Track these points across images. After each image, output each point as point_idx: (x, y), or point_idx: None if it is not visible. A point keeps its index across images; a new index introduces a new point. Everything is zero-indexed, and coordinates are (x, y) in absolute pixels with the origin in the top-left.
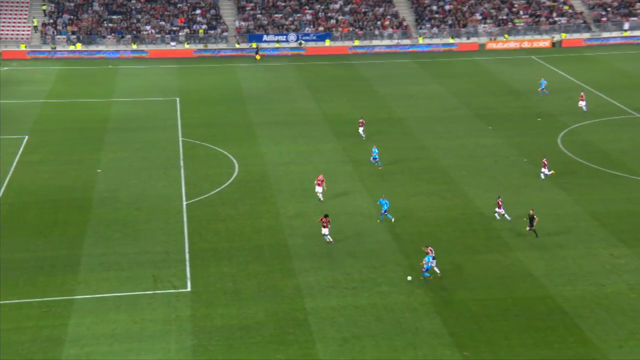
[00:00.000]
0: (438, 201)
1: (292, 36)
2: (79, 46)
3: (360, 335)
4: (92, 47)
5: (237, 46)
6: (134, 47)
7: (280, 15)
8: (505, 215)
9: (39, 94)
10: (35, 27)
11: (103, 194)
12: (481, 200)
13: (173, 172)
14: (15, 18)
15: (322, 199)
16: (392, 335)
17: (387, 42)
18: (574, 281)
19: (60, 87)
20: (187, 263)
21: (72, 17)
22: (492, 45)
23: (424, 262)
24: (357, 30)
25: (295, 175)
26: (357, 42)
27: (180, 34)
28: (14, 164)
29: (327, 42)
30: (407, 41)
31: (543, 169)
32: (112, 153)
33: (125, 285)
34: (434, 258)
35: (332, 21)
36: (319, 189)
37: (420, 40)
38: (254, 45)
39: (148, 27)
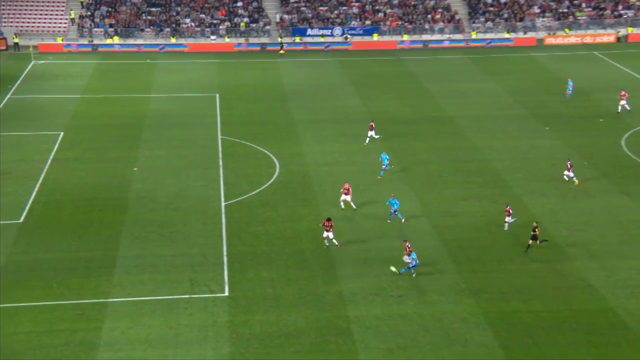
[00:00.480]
0: (490, 206)
1: (337, 30)
2: (116, 39)
3: (406, 346)
4: (130, 41)
5: (280, 40)
6: (173, 40)
7: (326, 8)
8: (507, 221)
9: (75, 88)
10: (72, 19)
11: (139, 193)
12: (536, 205)
13: (211, 171)
14: (52, 10)
15: (344, 206)
16: (439, 347)
17: (438, 36)
18: (638, 294)
19: (97, 82)
20: (225, 267)
21: (109, 9)
22: (551, 41)
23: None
24: (406, 24)
25: (338, 176)
26: (406, 37)
27: (220, 27)
28: (49, 161)
29: (375, 37)
30: (459, 36)
31: (566, 172)
32: (149, 151)
33: (161, 289)
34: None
35: (380, 14)
36: (346, 198)
37: (474, 35)
38: (279, 38)
39: (188, 20)
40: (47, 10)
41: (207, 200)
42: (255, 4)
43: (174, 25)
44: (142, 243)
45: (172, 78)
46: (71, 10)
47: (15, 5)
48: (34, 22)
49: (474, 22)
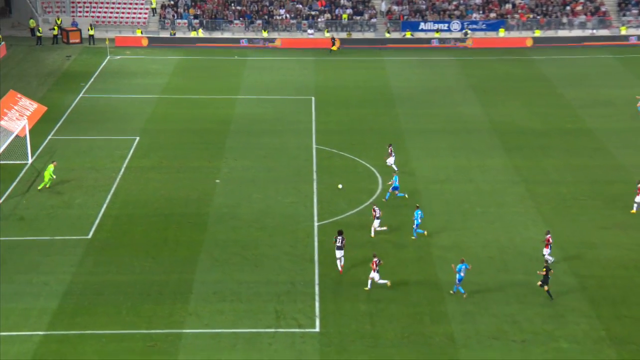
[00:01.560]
0: (637, 237)
1: (455, 24)
2: (201, 32)
3: None
4: (217, 34)
5: (388, 36)
6: (265, 34)
7: None
8: (548, 257)
9: (154, 88)
10: (153, 9)
11: (221, 209)
12: None
13: (304, 186)
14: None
15: (374, 234)
16: None
17: (578, 32)
18: None
19: (179, 81)
20: (317, 297)
21: None
22: None
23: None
24: (539, 17)
25: (452, 196)
26: (538, 33)
27: (319, 19)
28: (122, 169)
29: (501, 32)
30: (604, 31)
31: (638, 197)
32: (234, 161)
33: (242, 320)
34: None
35: (508, 6)
36: (376, 223)
37: (623, 31)
38: (326, 32)
39: (282, 11)
40: None
41: (298, 220)
42: None
43: (266, 17)
44: (222, 267)
45: (263, 77)
46: None
47: None
48: (111, 12)
49: (624, 15)
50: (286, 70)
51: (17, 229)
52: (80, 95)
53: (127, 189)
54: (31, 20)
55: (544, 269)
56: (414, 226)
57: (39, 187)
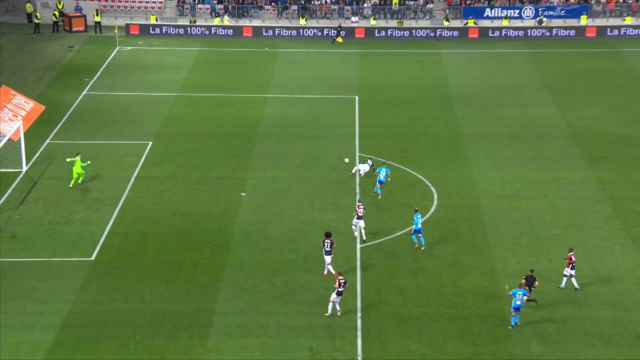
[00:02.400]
0: None
1: (528, 10)
2: (226, 20)
3: None
4: (244, 22)
5: (446, 24)
6: (302, 22)
7: None
8: (573, 280)
9: (170, 84)
10: None
11: (247, 227)
12: None
13: (344, 201)
14: None
15: (360, 236)
16: None
17: None
18: None
19: (199, 76)
20: (359, 333)
21: None
22: None
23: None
24: (630, 1)
25: (521, 215)
26: (629, 20)
27: (365, 5)
28: (132, 179)
29: (583, 20)
30: None
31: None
32: (263, 171)
33: (271, 359)
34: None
35: None
36: (359, 222)
37: None
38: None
39: None
40: None
41: (337, 240)
42: None
43: (303, 2)
44: (248, 295)
45: (298, 73)
46: None
47: None
48: None
49: None
50: (324, 64)
51: (9, 249)
52: (84, 92)
53: (138, 202)
54: (28, 4)
55: (523, 278)
56: (413, 232)
57: (71, 185)
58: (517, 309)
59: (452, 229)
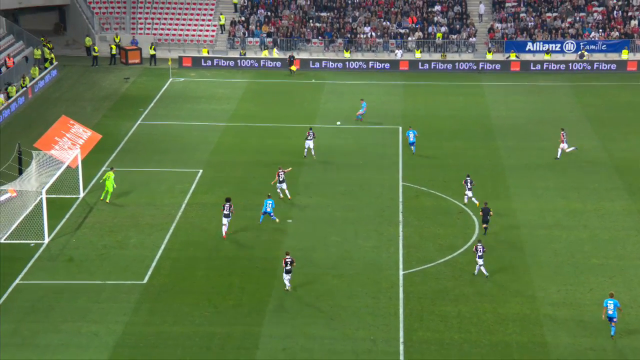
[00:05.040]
0: None
1: (570, 44)
2: (275, 52)
3: None
4: (292, 54)
5: (489, 57)
6: (347, 55)
7: (555, 14)
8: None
9: (220, 114)
10: (221, 26)
11: (293, 253)
12: None
13: (388, 229)
14: (198, 14)
15: (285, 196)
16: None
17: None
18: None
19: (248, 107)
20: (402, 358)
21: (269, 13)
22: None
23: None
24: None
25: (562, 245)
26: None
27: (409, 38)
28: (183, 206)
29: (624, 55)
30: None
31: (562, 145)
32: (308, 198)
33: None
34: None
35: (633, 23)
36: (282, 185)
37: None
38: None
39: (367, 29)
40: (192, 14)
41: (381, 267)
42: (457, 8)
43: (349, 36)
44: (293, 319)
45: (343, 104)
46: (221, 14)
47: (154, 9)
48: (174, 29)
49: None
50: (369, 95)
51: (66, 271)
52: (139, 121)
53: (188, 228)
54: (87, 38)
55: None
56: (262, 212)
57: (102, 198)
58: (611, 319)
59: (493, 257)
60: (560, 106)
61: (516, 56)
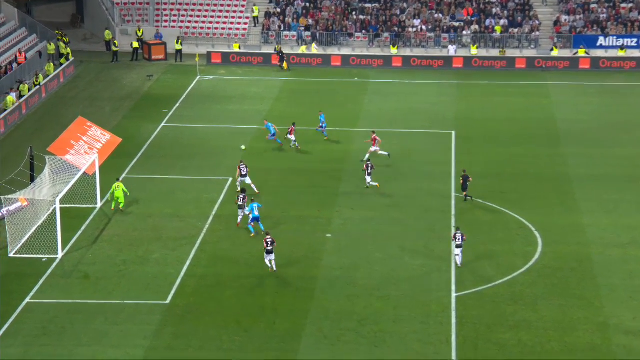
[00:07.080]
0: None
1: None
2: (314, 48)
3: None
4: (333, 50)
5: (554, 53)
6: (394, 51)
7: (631, 4)
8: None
9: (253, 116)
10: (255, 18)
11: (333, 272)
12: None
13: (439, 245)
14: (228, 6)
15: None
16: None
17: None
18: None
19: (284, 108)
20: None
21: (308, 4)
22: None
23: None
24: None
25: (638, 265)
26: None
27: (464, 32)
28: (210, 218)
29: None
30: None
31: (373, 147)
32: (350, 210)
33: None
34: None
35: None
36: (244, 179)
37: None
38: (278, 47)
39: (417, 22)
40: (222, 5)
41: (430, 288)
42: None
43: (396, 29)
44: (332, 345)
45: (389, 105)
46: (254, 5)
47: (180, 1)
48: (203, 22)
49: None
50: (418, 96)
51: (81, 290)
52: (162, 124)
53: (216, 242)
54: (107, 32)
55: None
56: (251, 218)
57: (113, 208)
58: None
59: (559, 279)
60: (637, 109)
61: (586, 52)
